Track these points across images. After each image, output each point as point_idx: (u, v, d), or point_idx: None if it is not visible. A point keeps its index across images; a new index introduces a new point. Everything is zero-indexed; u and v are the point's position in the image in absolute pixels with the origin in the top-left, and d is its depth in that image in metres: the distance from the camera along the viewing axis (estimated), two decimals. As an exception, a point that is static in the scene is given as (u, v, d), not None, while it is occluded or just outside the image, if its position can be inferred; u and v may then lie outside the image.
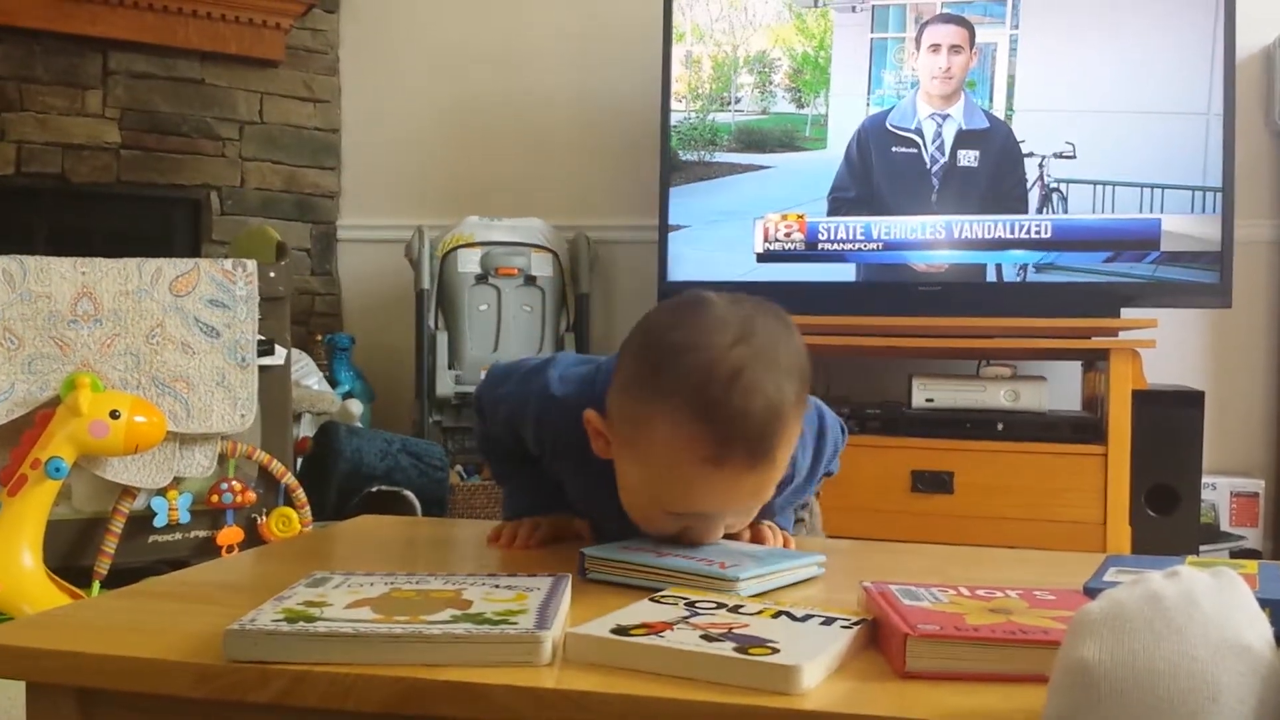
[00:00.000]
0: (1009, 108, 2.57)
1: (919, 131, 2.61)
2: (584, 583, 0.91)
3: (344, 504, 2.50)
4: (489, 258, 2.86)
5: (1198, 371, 2.76)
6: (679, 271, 2.72)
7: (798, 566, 0.95)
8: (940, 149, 2.60)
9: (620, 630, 0.71)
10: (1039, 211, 2.54)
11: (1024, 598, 0.79)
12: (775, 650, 0.67)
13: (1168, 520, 2.40)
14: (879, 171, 2.64)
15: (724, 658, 0.66)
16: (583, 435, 1.01)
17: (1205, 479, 2.50)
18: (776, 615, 0.76)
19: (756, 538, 1.06)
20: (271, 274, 2.29)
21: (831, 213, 2.65)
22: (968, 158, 2.58)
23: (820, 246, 2.65)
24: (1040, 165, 2.54)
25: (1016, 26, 2.57)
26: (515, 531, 1.12)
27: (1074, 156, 2.52)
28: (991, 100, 2.58)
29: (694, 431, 0.89)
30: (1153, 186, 2.48)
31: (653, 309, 1.01)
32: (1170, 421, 2.41)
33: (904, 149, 2.62)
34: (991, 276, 2.56)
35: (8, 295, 2.03)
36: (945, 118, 2.60)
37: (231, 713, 0.70)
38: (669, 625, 0.72)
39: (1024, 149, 2.55)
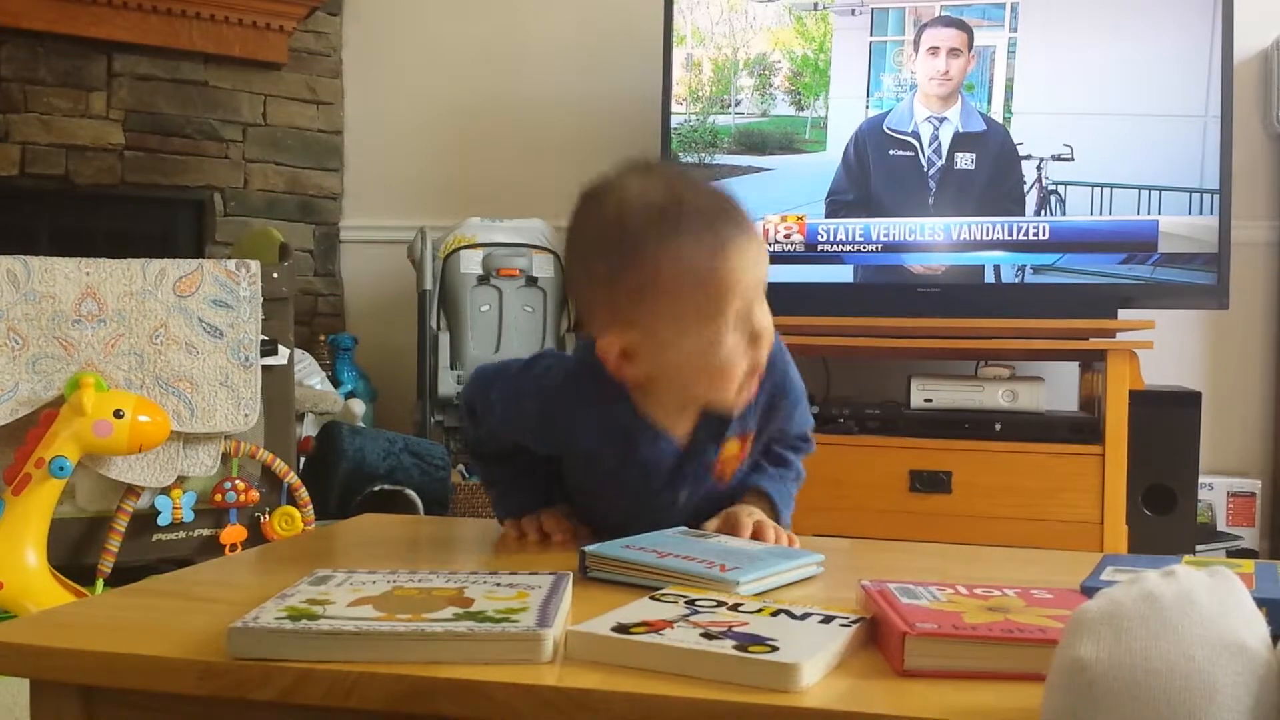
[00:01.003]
0: (1007, 110, 2.58)
1: (915, 134, 2.61)
2: (585, 581, 0.92)
3: (346, 503, 2.51)
4: (491, 259, 2.86)
5: (1195, 372, 2.76)
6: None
7: (797, 567, 0.95)
8: (937, 151, 2.60)
9: (621, 628, 0.71)
10: (1037, 213, 2.55)
11: (1021, 596, 0.80)
12: (774, 648, 0.67)
13: (1165, 520, 2.41)
14: (876, 174, 2.64)
15: (724, 656, 0.66)
16: (592, 413, 1.04)
17: (1202, 479, 2.50)
18: (776, 613, 0.76)
19: (758, 534, 1.07)
20: (275, 275, 2.30)
21: (830, 215, 2.65)
22: (965, 160, 2.58)
23: (819, 248, 2.66)
24: (1038, 167, 2.55)
25: (1015, 29, 2.58)
26: (525, 529, 1.13)
27: (1072, 159, 2.53)
28: (990, 103, 2.59)
29: (689, 241, 0.95)
30: (1150, 188, 2.49)
31: (571, 227, 1.03)
32: (1167, 422, 2.41)
33: (901, 152, 2.62)
34: (990, 278, 2.56)
35: (12, 295, 2.04)
36: (942, 120, 2.60)
37: (235, 710, 0.71)
38: (669, 623, 0.72)
39: (1022, 151, 2.56)
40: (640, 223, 0.97)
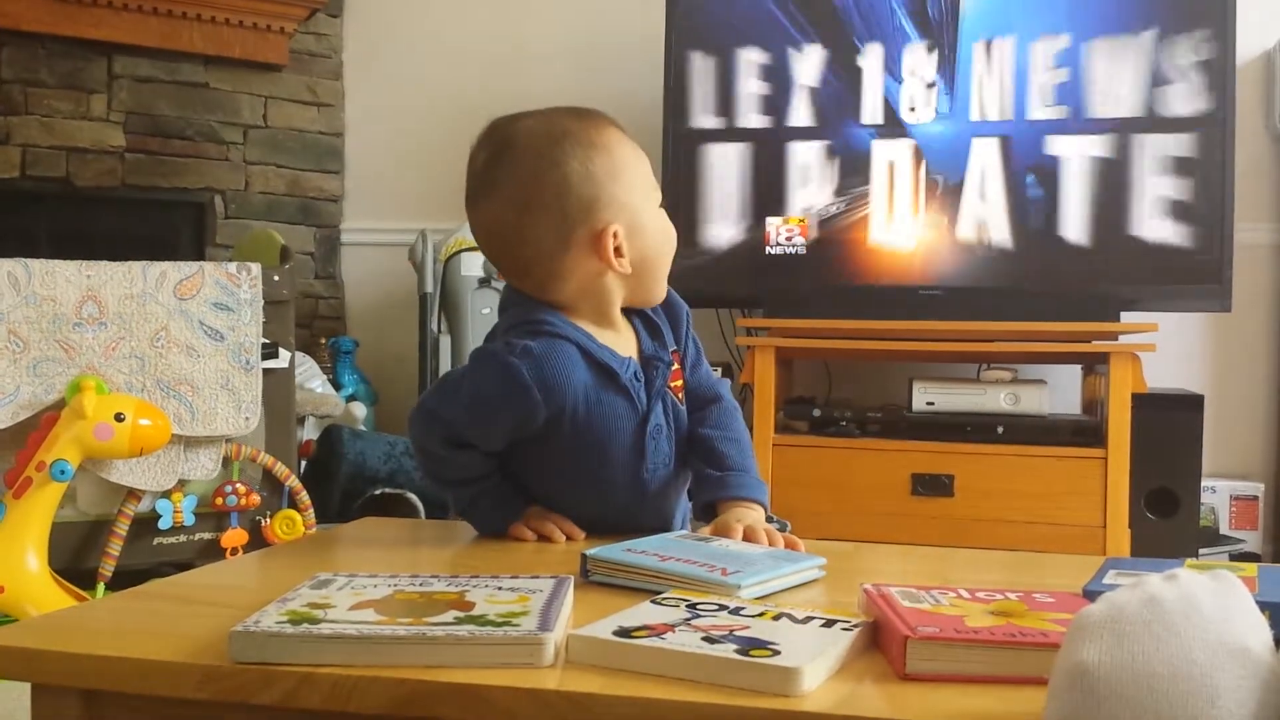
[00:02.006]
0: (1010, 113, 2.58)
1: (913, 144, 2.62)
2: (586, 585, 0.92)
3: (347, 506, 2.51)
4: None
5: (1197, 375, 2.76)
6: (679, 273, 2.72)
7: (798, 570, 0.95)
8: (935, 159, 2.60)
9: (622, 632, 0.71)
10: (1036, 215, 2.55)
11: (1024, 600, 0.79)
12: (776, 652, 0.67)
13: (1167, 523, 2.40)
14: (877, 179, 2.65)
15: (725, 659, 0.66)
16: (569, 350, 1.09)
17: (1205, 482, 2.50)
18: (777, 617, 0.76)
19: (750, 540, 1.07)
20: (275, 277, 2.30)
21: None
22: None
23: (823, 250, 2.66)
24: (1037, 169, 2.55)
25: (1014, 34, 2.58)
26: (525, 536, 1.13)
27: (1071, 161, 2.53)
28: (1000, 107, 2.59)
29: (616, 129, 1.14)
30: (1152, 190, 2.48)
31: (511, 174, 1.12)
32: (1170, 425, 2.41)
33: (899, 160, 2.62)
34: (992, 281, 2.56)
35: (13, 298, 2.04)
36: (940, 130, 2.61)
37: (236, 714, 0.70)
38: (670, 627, 0.72)
39: (1019, 153, 2.56)
40: (580, 121, 1.12)
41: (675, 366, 1.18)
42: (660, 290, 1.18)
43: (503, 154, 1.12)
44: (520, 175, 1.10)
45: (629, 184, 1.11)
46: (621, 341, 1.15)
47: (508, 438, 1.13)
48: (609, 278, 1.12)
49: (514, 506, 1.16)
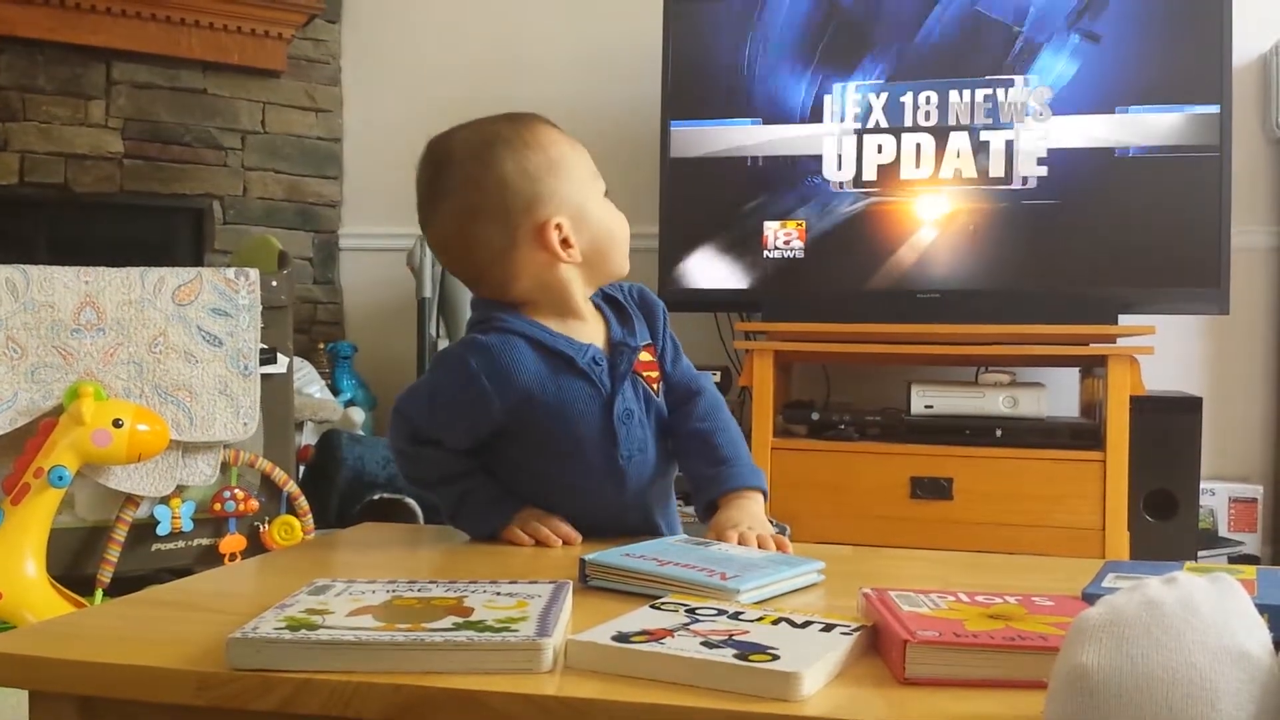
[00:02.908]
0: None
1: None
2: (584, 590, 0.92)
3: (346, 512, 2.51)
4: (490, 266, 2.86)
5: (1195, 378, 2.76)
6: (679, 280, 2.72)
7: (797, 574, 0.95)
8: (933, 162, 2.61)
9: (621, 637, 0.71)
10: (1033, 218, 2.55)
11: (1023, 604, 0.79)
12: (775, 657, 0.67)
13: (1166, 526, 2.40)
14: (874, 183, 2.65)
15: (724, 664, 0.66)
16: (523, 346, 1.11)
17: (1203, 484, 2.50)
18: (777, 622, 0.76)
19: (743, 543, 1.07)
20: (274, 283, 2.30)
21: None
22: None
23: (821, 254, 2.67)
24: (1034, 172, 2.55)
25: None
26: (522, 540, 1.13)
27: (1068, 164, 2.53)
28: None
29: (547, 125, 1.18)
30: (1149, 193, 2.49)
31: (445, 181, 1.16)
32: (1168, 427, 2.41)
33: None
34: (990, 284, 2.56)
35: (11, 305, 2.04)
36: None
37: (234, 720, 0.70)
38: (669, 632, 0.72)
39: (1017, 156, 2.56)
40: (511, 124, 1.16)
41: (647, 357, 1.20)
42: (620, 269, 1.20)
43: (441, 168, 1.16)
44: (460, 184, 1.14)
45: (567, 176, 1.15)
46: (587, 330, 1.18)
47: (472, 433, 1.15)
48: (562, 269, 1.15)
49: (504, 508, 1.16)
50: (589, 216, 1.16)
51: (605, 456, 1.15)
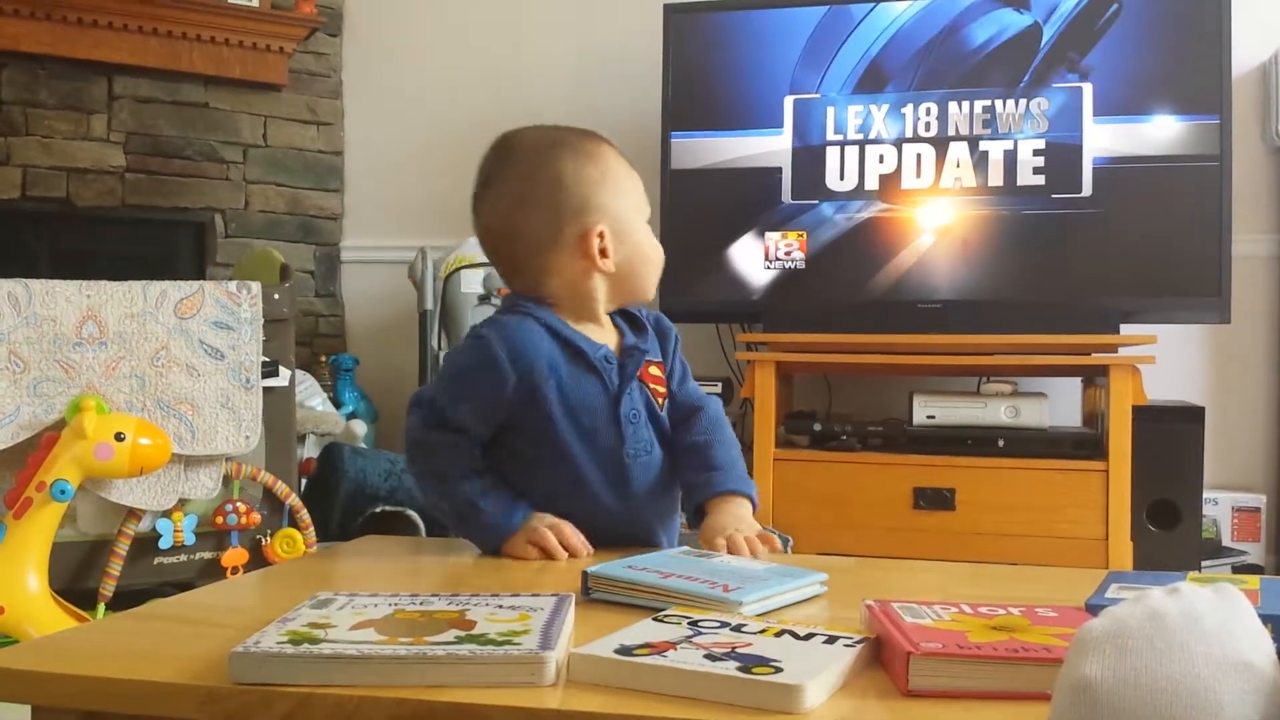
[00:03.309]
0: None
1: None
2: (587, 602, 0.92)
3: (348, 524, 2.50)
4: (491, 278, 2.87)
5: (1198, 387, 2.76)
6: (680, 291, 2.73)
7: (799, 586, 0.95)
8: (933, 173, 2.61)
9: (624, 650, 0.71)
10: (1034, 228, 2.55)
11: (1026, 615, 0.79)
12: (778, 669, 0.67)
13: (1169, 536, 2.40)
14: (876, 193, 2.65)
15: (727, 677, 0.66)
16: (541, 333, 1.15)
17: (1206, 494, 2.49)
18: (780, 634, 0.76)
19: (734, 550, 1.09)
20: (275, 296, 2.30)
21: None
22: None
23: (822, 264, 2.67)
24: (1035, 182, 2.55)
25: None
26: (524, 553, 1.13)
27: (1069, 173, 2.54)
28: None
29: (613, 151, 1.22)
30: (1150, 202, 2.49)
31: (506, 173, 1.21)
32: (1171, 437, 2.41)
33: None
34: (991, 294, 2.57)
35: (13, 319, 2.04)
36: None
37: (237, 735, 0.70)
38: (672, 645, 0.72)
39: (1017, 165, 2.57)
40: (578, 135, 1.21)
41: (656, 371, 1.23)
42: (646, 292, 1.25)
43: (503, 158, 1.22)
44: (517, 175, 1.19)
45: (617, 192, 1.20)
46: (602, 335, 1.22)
47: (484, 413, 1.15)
48: (595, 278, 1.19)
49: (512, 520, 1.15)
50: (629, 234, 1.20)
51: (611, 452, 1.17)
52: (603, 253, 1.18)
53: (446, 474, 1.17)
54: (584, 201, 1.17)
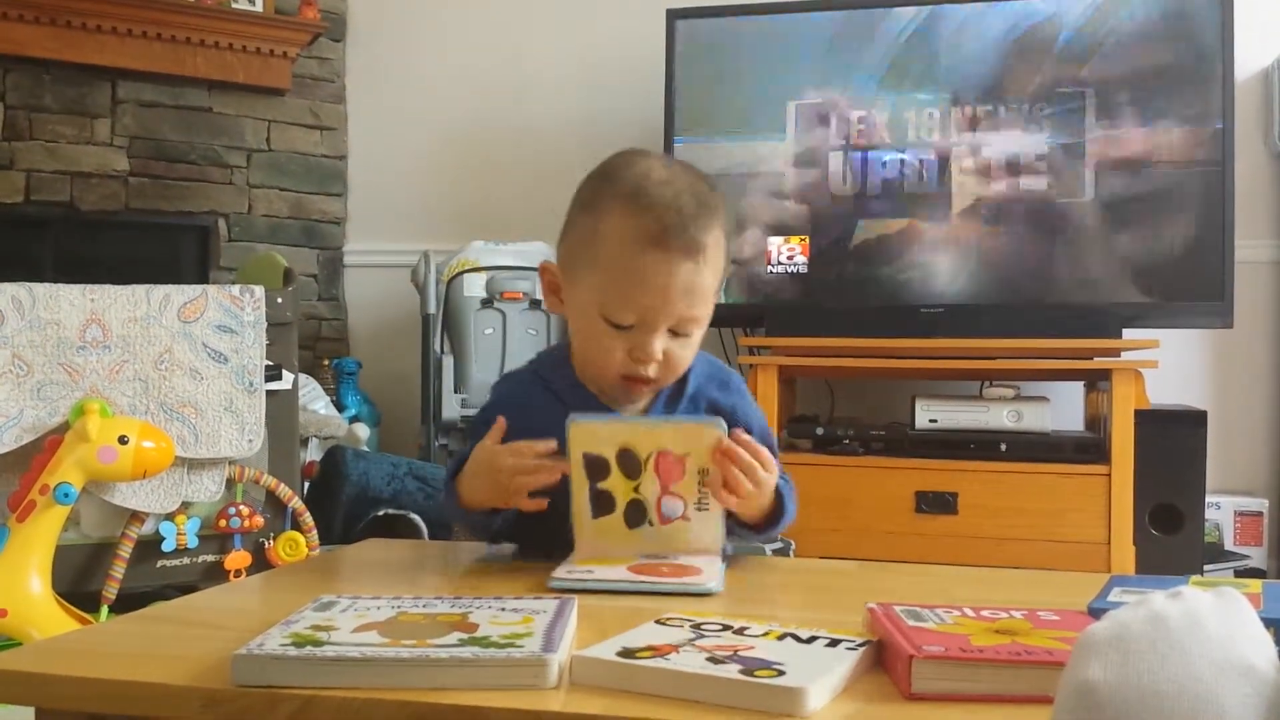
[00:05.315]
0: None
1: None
2: (590, 606, 0.92)
3: (351, 527, 2.51)
4: (494, 282, 2.87)
5: (1200, 391, 2.76)
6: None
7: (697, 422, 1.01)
8: (935, 176, 2.61)
9: (626, 653, 0.71)
10: (1036, 232, 2.55)
11: (1028, 618, 0.79)
12: (781, 672, 0.67)
13: (1172, 540, 2.40)
14: (878, 197, 2.65)
15: (730, 680, 0.66)
16: (546, 394, 1.11)
17: (1209, 498, 2.49)
18: (782, 637, 0.76)
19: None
20: (279, 300, 2.30)
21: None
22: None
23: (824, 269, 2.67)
24: (1037, 186, 2.56)
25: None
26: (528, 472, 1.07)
27: (1071, 178, 2.54)
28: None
29: (638, 220, 1.03)
30: (1153, 205, 2.49)
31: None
32: (1173, 441, 2.40)
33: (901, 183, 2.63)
34: (993, 298, 2.57)
35: (17, 322, 2.04)
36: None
37: (240, 737, 0.70)
38: (675, 648, 0.72)
39: (1019, 169, 2.57)
40: (633, 187, 1.05)
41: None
42: (594, 381, 1.13)
43: (591, 176, 1.13)
44: (582, 196, 1.12)
45: (574, 250, 1.09)
46: (619, 405, 1.13)
47: None
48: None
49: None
50: (569, 301, 1.10)
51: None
52: (552, 288, 1.12)
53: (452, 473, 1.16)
54: (563, 238, 1.11)
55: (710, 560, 1.01)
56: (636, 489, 1.03)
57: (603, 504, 1.04)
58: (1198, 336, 2.74)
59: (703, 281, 1.05)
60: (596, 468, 1.03)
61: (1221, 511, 2.63)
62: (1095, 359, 2.44)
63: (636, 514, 1.04)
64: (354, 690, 0.68)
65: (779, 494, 1.09)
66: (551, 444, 1.04)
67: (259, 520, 2.24)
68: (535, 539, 1.14)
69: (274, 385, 2.27)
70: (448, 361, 2.88)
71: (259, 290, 2.26)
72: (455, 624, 0.77)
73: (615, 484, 1.03)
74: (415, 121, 3.35)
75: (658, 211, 1.03)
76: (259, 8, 3.06)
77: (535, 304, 2.90)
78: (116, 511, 2.10)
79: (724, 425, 1.01)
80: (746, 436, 1.03)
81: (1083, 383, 2.70)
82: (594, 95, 3.17)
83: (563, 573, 0.99)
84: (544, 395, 1.13)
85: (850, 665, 0.71)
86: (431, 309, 2.88)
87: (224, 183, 3.12)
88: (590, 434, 1.02)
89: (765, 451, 1.03)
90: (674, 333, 1.07)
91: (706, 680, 0.67)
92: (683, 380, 1.15)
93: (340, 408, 3.01)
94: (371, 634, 0.74)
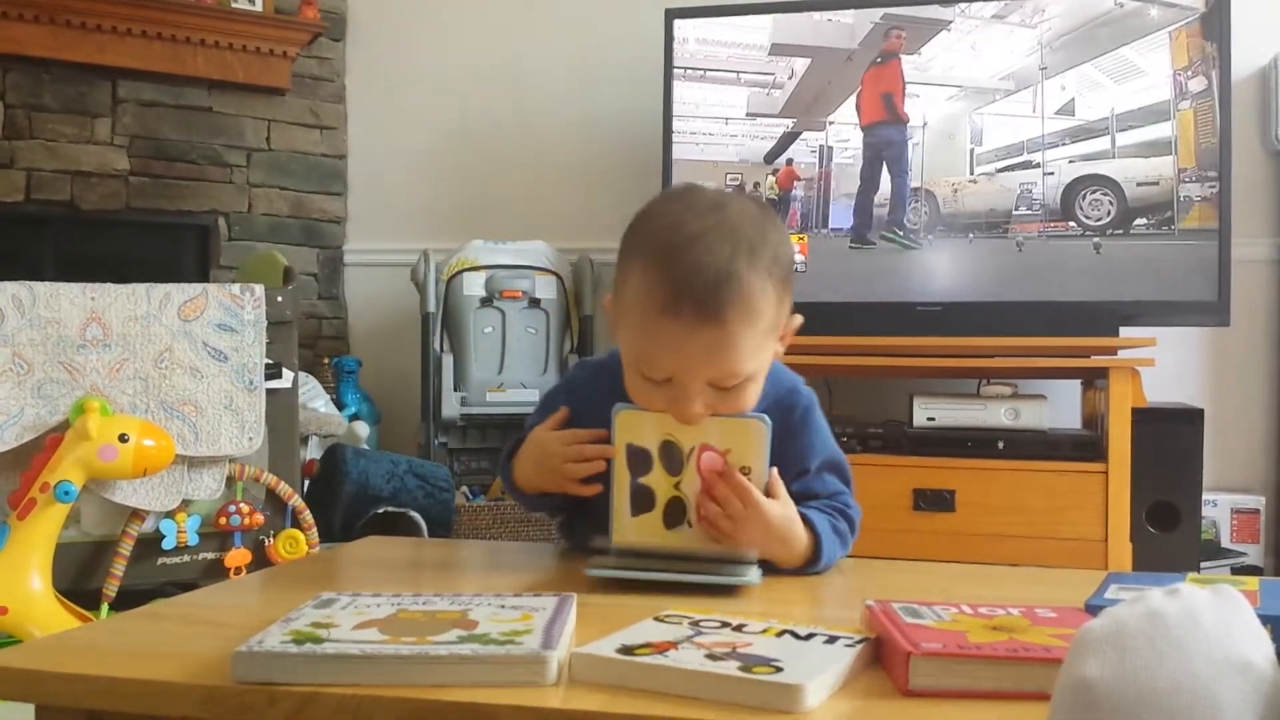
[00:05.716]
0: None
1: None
2: (589, 602, 0.92)
3: (350, 525, 2.51)
4: (494, 281, 2.87)
5: (1197, 389, 2.76)
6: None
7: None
8: (934, 175, 2.61)
9: (625, 650, 0.71)
10: (1034, 230, 2.55)
11: (1026, 615, 0.80)
12: (779, 669, 0.67)
13: (1169, 537, 2.40)
14: (875, 195, 2.65)
15: (728, 677, 0.67)
16: (603, 401, 1.05)
17: (1206, 496, 2.49)
18: (780, 634, 0.76)
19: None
20: (279, 298, 2.31)
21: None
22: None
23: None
24: (1035, 184, 2.56)
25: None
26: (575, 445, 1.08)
27: (1069, 176, 2.54)
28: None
29: (653, 281, 0.97)
30: (1151, 204, 2.49)
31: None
32: (1170, 439, 2.41)
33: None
34: (991, 296, 2.57)
35: (17, 321, 2.04)
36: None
37: (240, 734, 0.71)
38: (673, 644, 0.73)
39: (1017, 168, 2.57)
40: (659, 241, 0.99)
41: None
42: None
43: (678, 189, 1.11)
44: (648, 210, 1.07)
45: (629, 278, 1.01)
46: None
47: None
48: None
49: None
50: (618, 327, 1.05)
51: None
52: (611, 324, 1.07)
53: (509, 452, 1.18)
54: (622, 259, 1.03)
55: (747, 565, 1.00)
56: (677, 485, 1.02)
57: (643, 501, 1.03)
58: (1195, 335, 2.74)
59: (733, 340, 0.97)
60: (639, 461, 1.02)
61: (1218, 509, 2.63)
62: (1092, 357, 2.45)
63: (675, 513, 1.03)
64: (354, 687, 0.68)
65: (815, 533, 1.06)
66: (601, 433, 1.05)
67: (259, 518, 2.24)
68: (578, 528, 1.16)
69: (274, 383, 2.27)
70: (447, 360, 2.88)
71: (259, 289, 2.26)
72: (455, 621, 0.77)
73: (656, 479, 1.02)
74: (415, 121, 3.35)
75: (676, 275, 0.96)
76: (259, 7, 3.06)
77: (534, 303, 2.90)
78: (117, 509, 2.10)
79: (768, 422, 1.02)
80: (740, 476, 1.00)
81: (1080, 381, 2.70)
82: (594, 95, 3.17)
83: (602, 561, 0.99)
84: (611, 387, 1.08)
85: (848, 662, 0.71)
86: (431, 307, 2.89)
87: (224, 182, 3.12)
88: (635, 423, 1.02)
89: (752, 492, 1.00)
90: (717, 386, 1.01)
91: (705, 677, 0.67)
92: None
93: (340, 406, 3.01)
94: (371, 631, 0.74)
